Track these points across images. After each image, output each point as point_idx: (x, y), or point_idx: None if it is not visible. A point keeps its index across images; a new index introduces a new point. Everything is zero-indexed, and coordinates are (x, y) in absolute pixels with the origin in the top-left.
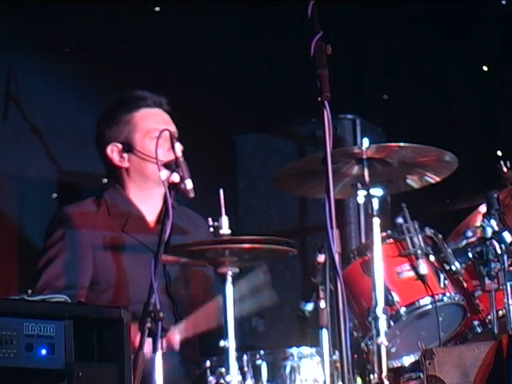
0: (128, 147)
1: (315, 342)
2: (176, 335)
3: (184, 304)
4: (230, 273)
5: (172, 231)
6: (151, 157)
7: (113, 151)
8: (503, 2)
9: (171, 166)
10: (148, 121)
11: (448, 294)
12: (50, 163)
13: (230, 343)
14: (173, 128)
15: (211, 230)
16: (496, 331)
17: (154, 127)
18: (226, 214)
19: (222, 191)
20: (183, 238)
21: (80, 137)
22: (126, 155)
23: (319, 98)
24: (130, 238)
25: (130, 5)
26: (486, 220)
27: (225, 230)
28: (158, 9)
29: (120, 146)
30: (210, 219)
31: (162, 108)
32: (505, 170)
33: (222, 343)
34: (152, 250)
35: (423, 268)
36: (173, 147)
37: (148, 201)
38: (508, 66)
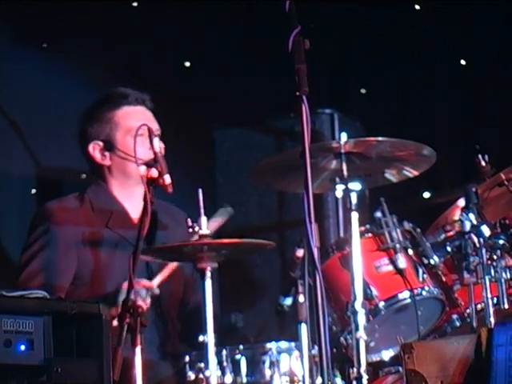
0: (109, 145)
1: (294, 337)
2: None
3: (165, 299)
4: (209, 268)
5: (155, 227)
6: (132, 155)
7: (94, 149)
8: None
9: (152, 164)
10: (129, 119)
11: (427, 288)
12: (29, 159)
13: (209, 338)
14: (155, 125)
15: (190, 230)
16: (475, 325)
17: (135, 125)
18: (205, 209)
19: (200, 191)
20: (164, 232)
21: (59, 132)
22: (107, 153)
23: (297, 93)
24: (113, 234)
25: None
26: (464, 214)
27: (204, 230)
28: (135, 4)
29: (101, 144)
30: (189, 220)
31: (145, 105)
32: (483, 163)
33: (201, 338)
34: (133, 245)
35: (402, 262)
36: (151, 142)
37: (131, 198)
38: (487, 59)
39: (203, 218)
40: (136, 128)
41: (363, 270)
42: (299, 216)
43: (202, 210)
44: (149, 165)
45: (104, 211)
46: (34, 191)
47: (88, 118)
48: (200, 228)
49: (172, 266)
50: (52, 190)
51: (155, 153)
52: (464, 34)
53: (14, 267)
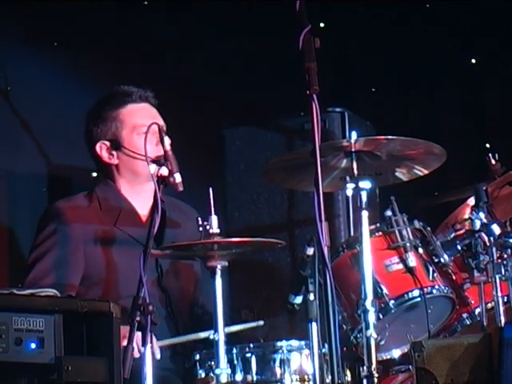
0: (116, 144)
1: (304, 335)
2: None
3: (176, 297)
4: (219, 266)
5: (163, 224)
6: (140, 153)
7: (101, 149)
8: None
9: (160, 160)
10: (134, 116)
11: (437, 287)
12: (40, 157)
13: (220, 336)
14: (161, 121)
15: (200, 229)
16: (485, 323)
17: (140, 123)
18: (215, 208)
19: (211, 190)
20: (175, 230)
21: (70, 131)
22: (114, 152)
23: (308, 92)
24: (122, 233)
25: None
26: (474, 212)
27: (214, 229)
28: (146, 2)
29: (108, 143)
30: (199, 219)
31: (149, 102)
32: (493, 162)
33: (211, 336)
34: (144, 244)
35: (412, 261)
36: (161, 141)
37: (139, 196)
38: (496, 58)
39: (214, 217)
40: (141, 125)
41: (373, 269)
42: (309, 214)
43: (213, 209)
44: (157, 162)
45: (112, 210)
46: (45, 190)
47: (93, 118)
48: (211, 227)
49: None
50: (62, 188)
51: (165, 151)
52: (470, 32)
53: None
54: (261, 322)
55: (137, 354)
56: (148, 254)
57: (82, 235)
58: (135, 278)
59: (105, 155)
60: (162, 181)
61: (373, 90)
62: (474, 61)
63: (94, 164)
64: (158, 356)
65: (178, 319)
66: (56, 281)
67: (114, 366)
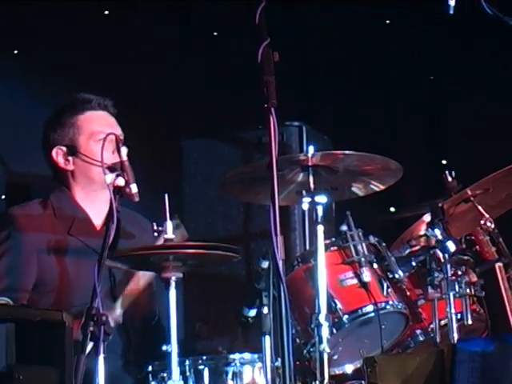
0: (72, 150)
1: (258, 349)
2: (117, 310)
3: (129, 308)
4: (173, 278)
5: (118, 235)
6: (96, 160)
7: (58, 154)
8: (451, 12)
9: (116, 168)
10: (92, 123)
11: (391, 302)
12: None
13: (173, 348)
14: (118, 131)
15: (155, 234)
16: (438, 340)
17: (98, 130)
18: (171, 218)
19: (166, 196)
20: (129, 241)
21: (29, 138)
22: (70, 158)
23: (265, 105)
24: (75, 241)
25: (78, 6)
26: (429, 229)
27: (169, 235)
28: (107, 12)
29: (65, 149)
30: (154, 224)
31: (108, 110)
32: (449, 179)
33: (164, 348)
34: (98, 252)
35: (366, 276)
36: (118, 151)
37: (94, 204)
38: (453, 75)
39: (169, 223)
40: (98, 132)
41: (328, 283)
42: (265, 228)
43: (168, 215)
44: (113, 169)
45: (66, 218)
46: (3, 197)
47: (51, 124)
48: (166, 232)
49: (133, 288)
50: (21, 196)
51: (122, 161)
52: (428, 50)
53: None
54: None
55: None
56: (102, 264)
57: (36, 242)
58: (88, 287)
59: (61, 161)
60: (118, 191)
61: (330, 105)
62: (432, 77)
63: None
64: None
65: (129, 330)
66: (8, 286)
67: (66, 376)
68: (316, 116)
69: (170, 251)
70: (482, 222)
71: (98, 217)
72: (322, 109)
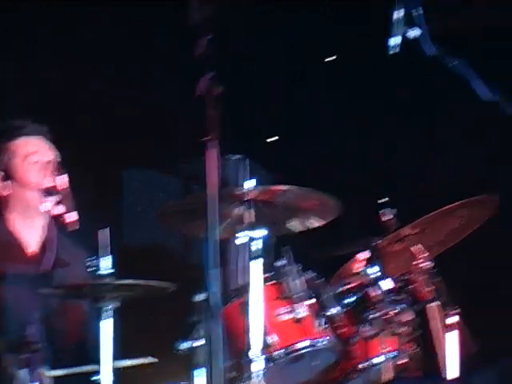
0: (7, 174)
1: (191, 381)
2: None
3: (61, 336)
4: (108, 308)
5: (55, 263)
6: (30, 183)
7: None
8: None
9: (52, 193)
10: (27, 147)
11: (324, 339)
12: None
13: (106, 379)
14: (51, 156)
15: (89, 269)
16: (370, 379)
17: (32, 152)
18: (111, 248)
19: (102, 232)
20: (64, 270)
21: None
22: (6, 183)
23: (206, 138)
24: (9, 268)
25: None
26: (365, 267)
27: (102, 270)
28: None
29: (1, 173)
30: (88, 259)
31: (43, 136)
32: (387, 217)
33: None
34: (31, 280)
35: (302, 311)
36: (54, 176)
37: (30, 230)
38: (397, 107)
39: (102, 260)
40: (32, 156)
41: (264, 317)
42: (203, 260)
43: (102, 251)
44: (48, 193)
45: (0, 245)
46: None
47: None
48: (98, 269)
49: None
50: None
51: (61, 189)
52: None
53: None
54: (152, 359)
55: None
56: (37, 292)
57: None
58: (21, 314)
59: None
60: (56, 218)
61: (271, 139)
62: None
63: None
64: None
65: (63, 358)
66: None
67: None
68: (257, 150)
69: (103, 281)
70: (415, 262)
71: (32, 244)
72: (264, 142)
